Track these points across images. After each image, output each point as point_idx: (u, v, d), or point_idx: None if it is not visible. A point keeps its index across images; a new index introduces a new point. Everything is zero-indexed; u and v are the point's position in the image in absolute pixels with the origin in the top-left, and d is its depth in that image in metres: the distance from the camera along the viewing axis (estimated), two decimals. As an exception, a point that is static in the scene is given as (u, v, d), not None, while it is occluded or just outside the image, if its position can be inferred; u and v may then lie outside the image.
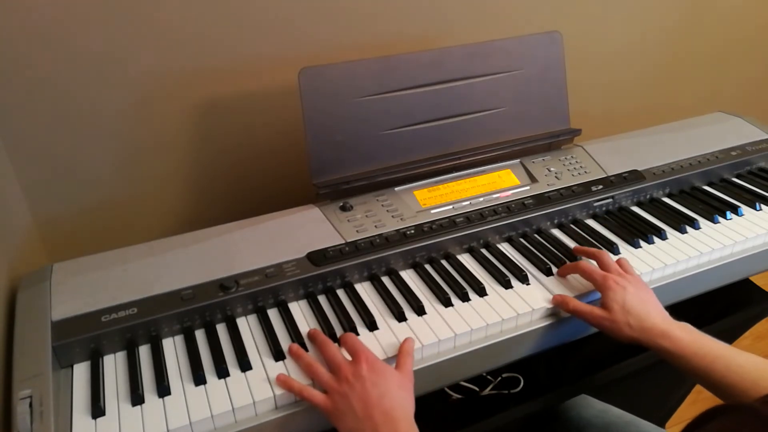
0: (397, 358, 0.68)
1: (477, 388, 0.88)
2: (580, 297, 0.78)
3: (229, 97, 1.02)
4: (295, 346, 0.69)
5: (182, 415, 0.62)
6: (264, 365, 0.68)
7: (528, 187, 0.95)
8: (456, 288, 0.79)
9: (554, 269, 0.83)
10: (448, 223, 0.86)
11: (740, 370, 0.64)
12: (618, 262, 0.80)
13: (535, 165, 0.99)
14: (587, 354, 0.91)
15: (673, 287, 0.85)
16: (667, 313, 0.73)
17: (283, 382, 0.65)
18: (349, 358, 0.67)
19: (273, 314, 0.76)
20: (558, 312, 0.78)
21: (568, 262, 0.83)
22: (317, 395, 0.64)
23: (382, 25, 1.08)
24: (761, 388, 0.62)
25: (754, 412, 0.46)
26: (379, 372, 0.64)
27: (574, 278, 0.81)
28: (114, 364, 0.69)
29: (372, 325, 0.73)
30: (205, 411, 0.62)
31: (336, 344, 0.69)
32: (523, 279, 0.81)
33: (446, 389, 0.87)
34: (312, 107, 0.85)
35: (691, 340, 0.68)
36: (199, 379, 0.66)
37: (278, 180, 1.14)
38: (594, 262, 0.81)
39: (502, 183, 0.95)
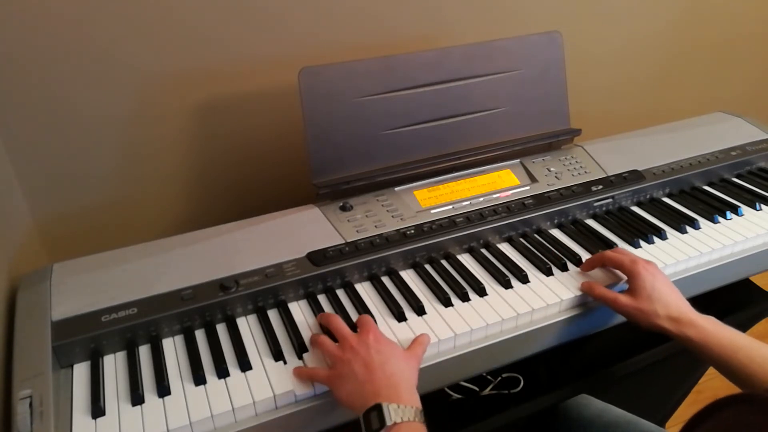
0: (410, 344, 0.68)
1: (477, 388, 0.88)
2: (582, 301, 0.79)
3: (229, 97, 1.02)
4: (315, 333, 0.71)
5: (182, 415, 0.62)
6: (264, 365, 0.68)
7: (528, 187, 0.95)
8: (456, 288, 0.79)
9: (554, 269, 0.83)
10: (448, 223, 0.86)
11: (763, 362, 0.65)
12: None
13: (535, 165, 0.99)
14: (587, 354, 0.91)
15: (673, 287, 0.84)
16: (689, 304, 0.73)
17: (297, 373, 0.66)
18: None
19: (273, 314, 0.76)
20: (558, 312, 0.78)
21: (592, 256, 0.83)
22: (320, 370, 0.64)
23: (383, 25, 1.08)
24: None
25: (766, 402, 0.46)
26: (384, 343, 0.65)
27: (575, 279, 0.81)
28: (114, 364, 0.69)
29: (372, 325, 0.73)
30: (205, 411, 0.62)
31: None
32: (523, 279, 0.81)
33: (446, 389, 0.87)
34: (312, 107, 0.85)
35: (716, 330, 0.69)
36: (199, 379, 0.66)
37: (278, 180, 1.14)
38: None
39: (502, 183, 0.95)
